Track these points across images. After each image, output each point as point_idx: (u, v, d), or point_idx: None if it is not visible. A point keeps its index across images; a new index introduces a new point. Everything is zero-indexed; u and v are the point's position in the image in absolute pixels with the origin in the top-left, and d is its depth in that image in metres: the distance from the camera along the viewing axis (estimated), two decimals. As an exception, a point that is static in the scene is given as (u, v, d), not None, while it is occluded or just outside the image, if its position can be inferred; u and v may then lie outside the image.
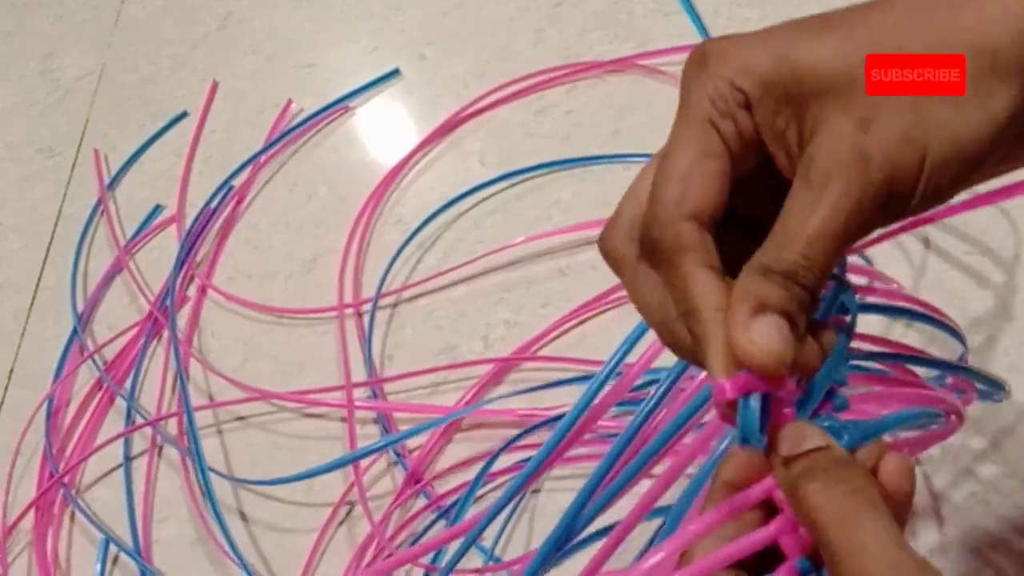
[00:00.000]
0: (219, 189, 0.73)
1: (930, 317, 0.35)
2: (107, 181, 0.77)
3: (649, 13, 0.72)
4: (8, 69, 0.89)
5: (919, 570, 0.21)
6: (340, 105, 0.75)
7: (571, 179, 0.66)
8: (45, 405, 0.65)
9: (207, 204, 0.72)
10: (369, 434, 0.59)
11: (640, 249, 0.26)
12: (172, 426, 0.63)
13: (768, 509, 0.24)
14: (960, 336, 0.37)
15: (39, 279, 0.74)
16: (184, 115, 0.79)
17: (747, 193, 0.26)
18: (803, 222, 0.23)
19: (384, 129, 0.75)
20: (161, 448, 0.62)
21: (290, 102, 0.76)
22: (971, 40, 0.23)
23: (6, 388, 0.69)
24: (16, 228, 0.78)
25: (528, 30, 0.75)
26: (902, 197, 0.24)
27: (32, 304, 0.73)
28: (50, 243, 0.76)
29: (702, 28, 0.68)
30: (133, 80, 0.84)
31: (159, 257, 0.72)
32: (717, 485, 0.25)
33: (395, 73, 0.76)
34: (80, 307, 0.70)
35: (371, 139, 0.75)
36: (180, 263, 0.70)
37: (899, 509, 0.25)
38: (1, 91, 0.87)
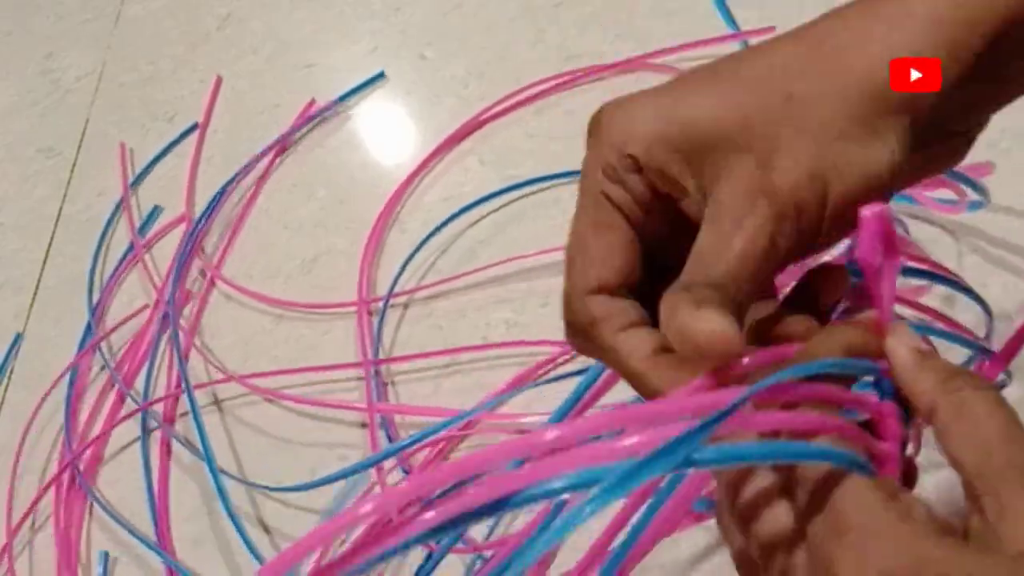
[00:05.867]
0: (220, 192, 0.73)
1: (958, 284, 0.35)
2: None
3: (649, 13, 0.72)
4: (8, 69, 0.89)
5: None
6: (332, 109, 0.76)
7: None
8: (65, 393, 0.65)
9: (208, 207, 0.72)
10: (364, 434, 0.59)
11: (568, 334, 0.26)
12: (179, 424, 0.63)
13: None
14: (986, 307, 0.37)
15: (39, 279, 0.74)
16: (196, 126, 0.79)
17: (679, 246, 0.26)
18: (725, 250, 0.23)
19: (386, 129, 0.75)
20: (170, 447, 0.62)
21: (313, 101, 0.77)
22: (859, 80, 0.23)
23: (6, 388, 0.69)
24: (16, 228, 0.78)
25: (528, 30, 0.75)
26: (810, 230, 0.24)
27: (32, 304, 0.73)
28: (50, 243, 0.76)
29: (731, 21, 0.67)
30: (133, 80, 0.84)
31: (160, 256, 0.72)
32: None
33: (381, 76, 0.76)
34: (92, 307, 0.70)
35: (373, 139, 0.75)
36: (180, 266, 0.70)
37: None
38: (1, 91, 0.87)
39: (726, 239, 0.23)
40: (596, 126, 0.26)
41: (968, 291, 0.34)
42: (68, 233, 0.76)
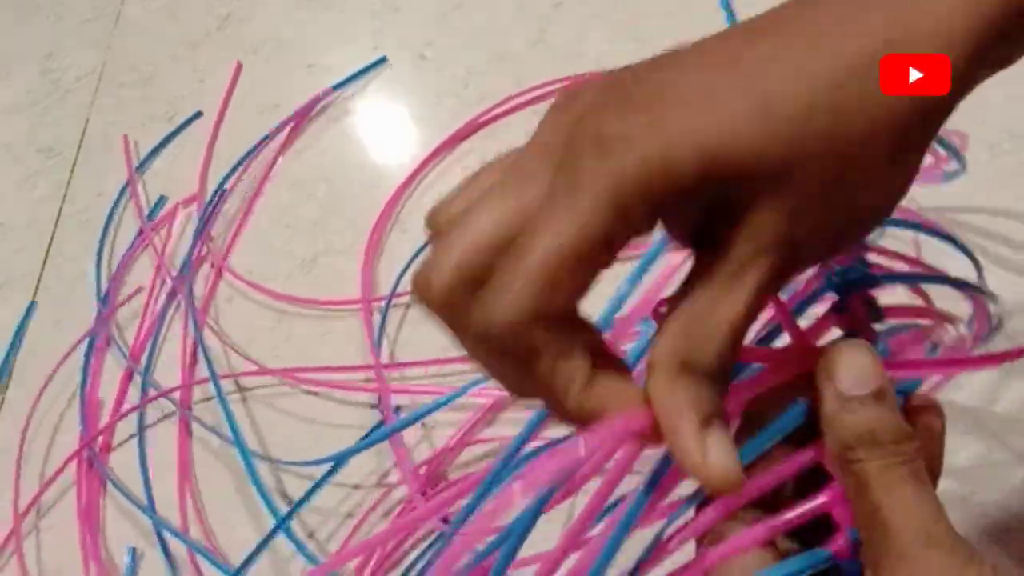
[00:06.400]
0: (219, 191, 0.73)
1: (946, 236, 0.34)
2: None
3: (649, 13, 0.72)
4: (8, 69, 0.89)
5: (953, 545, 0.22)
6: (329, 91, 0.76)
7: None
8: (79, 376, 0.65)
9: (207, 205, 0.72)
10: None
11: (478, 343, 0.23)
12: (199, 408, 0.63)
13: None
14: (975, 260, 0.36)
15: (39, 279, 0.74)
16: (199, 115, 0.79)
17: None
18: (724, 312, 0.22)
19: (386, 129, 0.75)
20: (189, 426, 0.62)
21: (318, 99, 0.77)
22: (896, 114, 0.22)
23: (6, 388, 0.69)
24: (16, 228, 0.78)
25: (528, 30, 0.75)
26: (808, 266, 0.24)
27: (32, 304, 0.73)
28: (50, 243, 0.76)
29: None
30: (133, 80, 0.84)
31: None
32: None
33: (383, 61, 0.76)
34: (99, 299, 0.70)
35: (373, 139, 0.75)
36: (193, 245, 0.70)
37: (931, 451, 0.25)
38: (1, 91, 0.87)
39: (731, 298, 0.22)
40: (606, 142, 0.21)
41: (947, 237, 0.34)
42: (68, 233, 0.76)
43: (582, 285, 0.22)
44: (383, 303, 0.64)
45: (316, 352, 0.63)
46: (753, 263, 0.22)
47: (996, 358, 0.27)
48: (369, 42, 0.79)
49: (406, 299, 0.64)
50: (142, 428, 0.63)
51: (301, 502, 0.57)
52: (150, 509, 0.59)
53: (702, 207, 0.22)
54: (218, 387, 0.62)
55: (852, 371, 0.24)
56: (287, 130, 0.75)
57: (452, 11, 0.78)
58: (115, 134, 0.81)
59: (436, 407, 0.55)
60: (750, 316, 0.22)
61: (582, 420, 0.23)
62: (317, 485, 0.57)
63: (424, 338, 0.62)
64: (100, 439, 0.63)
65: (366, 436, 0.58)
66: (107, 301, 0.70)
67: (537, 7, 0.76)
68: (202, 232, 0.71)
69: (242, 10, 0.85)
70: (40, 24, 0.91)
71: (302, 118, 0.75)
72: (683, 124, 0.21)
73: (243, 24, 0.84)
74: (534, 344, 0.22)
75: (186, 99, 0.81)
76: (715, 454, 0.22)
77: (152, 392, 0.64)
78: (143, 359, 0.67)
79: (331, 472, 0.57)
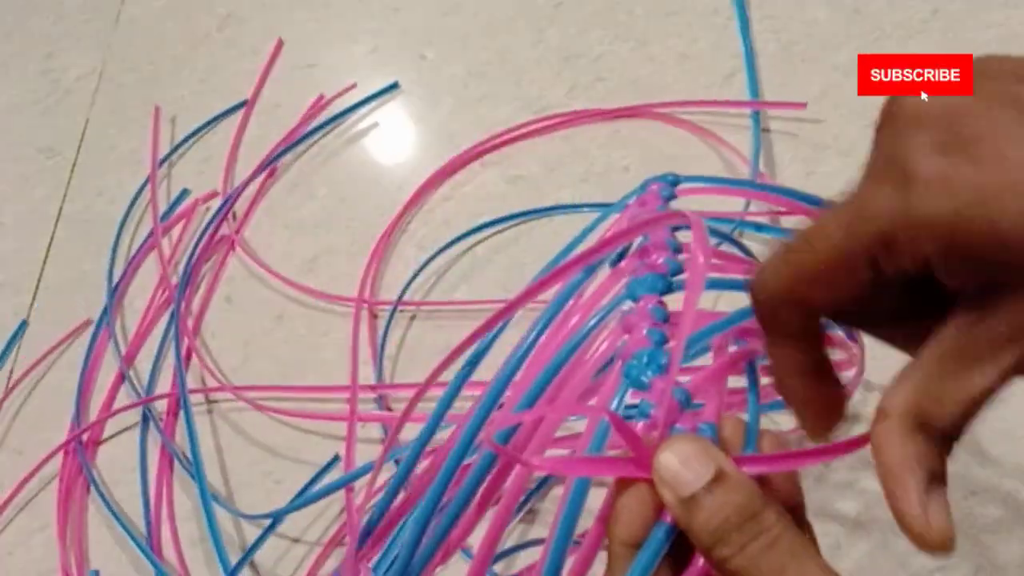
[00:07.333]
0: (226, 202, 0.73)
1: None
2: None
3: (649, 13, 0.72)
4: (8, 69, 0.89)
5: None
6: (343, 119, 0.76)
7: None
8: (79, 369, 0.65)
9: (216, 214, 0.72)
10: (372, 437, 0.59)
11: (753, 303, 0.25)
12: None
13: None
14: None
15: (39, 279, 0.74)
16: (244, 103, 0.78)
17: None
18: (976, 382, 0.22)
19: (384, 129, 0.75)
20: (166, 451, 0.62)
21: (321, 97, 0.76)
22: None
23: (6, 388, 0.69)
24: (16, 228, 0.78)
25: (528, 30, 0.75)
26: None
27: (32, 304, 0.73)
28: (50, 243, 0.76)
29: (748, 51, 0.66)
30: (133, 80, 0.84)
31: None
32: (615, 548, 0.24)
33: (394, 86, 0.76)
34: (110, 293, 0.70)
35: (372, 140, 0.74)
36: (188, 265, 0.70)
37: (788, 490, 0.25)
38: (1, 91, 0.87)
39: (979, 368, 0.21)
40: (909, 182, 0.21)
41: None
42: (68, 233, 0.76)
43: (835, 298, 0.23)
44: (386, 309, 0.64)
45: (316, 356, 0.63)
46: (1015, 341, 0.21)
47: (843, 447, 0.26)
48: (369, 42, 0.79)
49: (412, 310, 0.64)
50: (145, 437, 0.63)
51: (246, 557, 0.56)
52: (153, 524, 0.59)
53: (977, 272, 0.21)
54: (187, 406, 0.61)
55: (683, 468, 0.23)
56: (294, 135, 0.75)
57: (452, 11, 0.78)
58: (115, 134, 0.81)
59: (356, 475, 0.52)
60: (996, 392, 0.22)
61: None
62: (261, 539, 0.56)
63: (428, 349, 0.62)
64: (86, 436, 0.63)
65: (320, 472, 0.58)
66: (114, 295, 0.70)
67: (537, 7, 0.76)
68: (206, 236, 0.71)
69: (242, 10, 0.85)
70: (40, 24, 0.91)
71: (298, 133, 0.75)
72: (975, 179, 0.20)
73: (243, 24, 0.84)
74: (781, 324, 0.25)
75: (186, 99, 0.80)
76: (936, 515, 0.22)
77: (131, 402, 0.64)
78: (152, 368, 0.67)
79: (271, 528, 0.56)
